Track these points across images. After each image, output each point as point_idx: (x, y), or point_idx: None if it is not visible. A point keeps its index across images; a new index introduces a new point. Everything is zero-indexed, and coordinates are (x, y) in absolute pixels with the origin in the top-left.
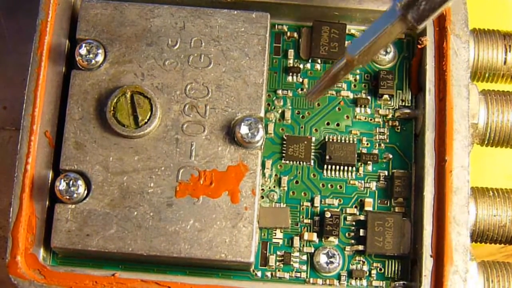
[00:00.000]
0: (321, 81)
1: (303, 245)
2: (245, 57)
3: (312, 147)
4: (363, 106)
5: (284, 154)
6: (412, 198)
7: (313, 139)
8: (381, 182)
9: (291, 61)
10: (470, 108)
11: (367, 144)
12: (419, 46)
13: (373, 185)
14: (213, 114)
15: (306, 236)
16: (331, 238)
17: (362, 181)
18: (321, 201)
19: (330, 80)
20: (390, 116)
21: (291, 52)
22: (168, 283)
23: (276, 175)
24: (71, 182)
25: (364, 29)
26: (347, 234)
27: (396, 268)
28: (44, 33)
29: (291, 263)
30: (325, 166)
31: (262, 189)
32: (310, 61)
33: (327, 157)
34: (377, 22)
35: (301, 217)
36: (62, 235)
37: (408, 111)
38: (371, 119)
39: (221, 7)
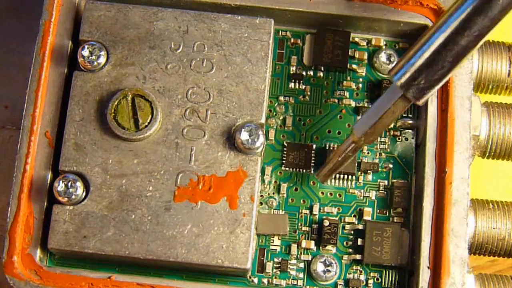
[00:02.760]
0: (329, 162)
1: (301, 253)
2: (247, 63)
3: (313, 155)
4: None
5: (284, 161)
6: (411, 209)
7: (314, 146)
8: (380, 191)
9: (294, 68)
10: (472, 120)
11: (368, 153)
12: None
13: (373, 195)
14: (214, 119)
15: (303, 243)
16: (329, 247)
17: (362, 190)
18: (320, 209)
19: (339, 161)
20: (391, 125)
21: (294, 59)
22: (164, 287)
23: (275, 181)
24: (69, 184)
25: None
26: (345, 243)
27: (393, 279)
28: (47, 34)
29: (288, 270)
30: None
31: (261, 196)
32: (313, 68)
33: None
34: (379, 101)
35: (299, 224)
36: (59, 236)
37: (409, 121)
38: None
39: (225, 12)
